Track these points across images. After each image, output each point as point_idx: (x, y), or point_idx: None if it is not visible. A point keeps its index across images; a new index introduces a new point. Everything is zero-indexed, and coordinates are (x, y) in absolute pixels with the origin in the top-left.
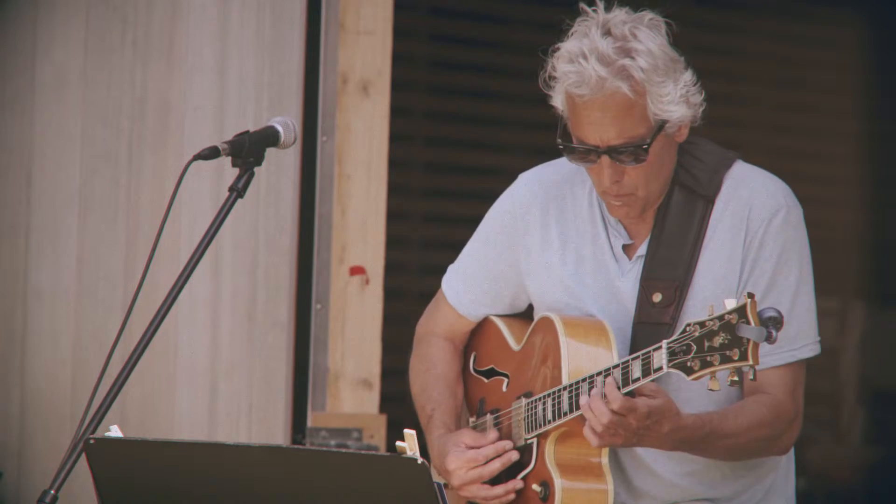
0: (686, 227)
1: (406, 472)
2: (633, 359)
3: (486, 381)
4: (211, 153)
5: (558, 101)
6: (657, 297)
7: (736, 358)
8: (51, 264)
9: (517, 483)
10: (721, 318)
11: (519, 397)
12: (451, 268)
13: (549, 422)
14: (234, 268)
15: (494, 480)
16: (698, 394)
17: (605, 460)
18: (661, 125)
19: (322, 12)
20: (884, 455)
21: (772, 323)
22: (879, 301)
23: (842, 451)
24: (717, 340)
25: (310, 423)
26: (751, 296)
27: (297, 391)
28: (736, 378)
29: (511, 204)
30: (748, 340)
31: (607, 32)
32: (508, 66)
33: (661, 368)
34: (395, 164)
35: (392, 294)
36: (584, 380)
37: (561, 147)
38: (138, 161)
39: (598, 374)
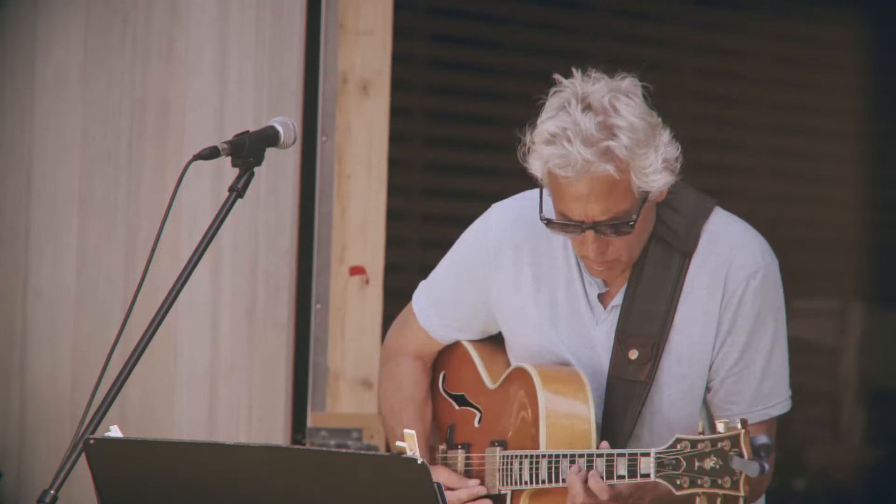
0: (663, 281)
1: (406, 472)
2: (618, 455)
3: (456, 407)
4: (211, 153)
5: (538, 169)
6: (633, 355)
7: (727, 486)
8: (51, 264)
9: None
10: (713, 442)
11: (493, 443)
12: (421, 286)
13: (526, 483)
14: (234, 268)
15: None
16: (679, 417)
17: None
18: (645, 196)
19: (322, 12)
20: (884, 455)
21: (763, 450)
22: (879, 301)
23: (842, 451)
24: (708, 463)
25: (310, 423)
26: (744, 424)
27: (297, 391)
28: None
29: (484, 240)
30: (740, 473)
31: (587, 107)
32: (508, 66)
33: (648, 475)
34: (395, 164)
35: (392, 294)
36: (564, 455)
37: (545, 224)
38: (138, 161)
39: (581, 455)
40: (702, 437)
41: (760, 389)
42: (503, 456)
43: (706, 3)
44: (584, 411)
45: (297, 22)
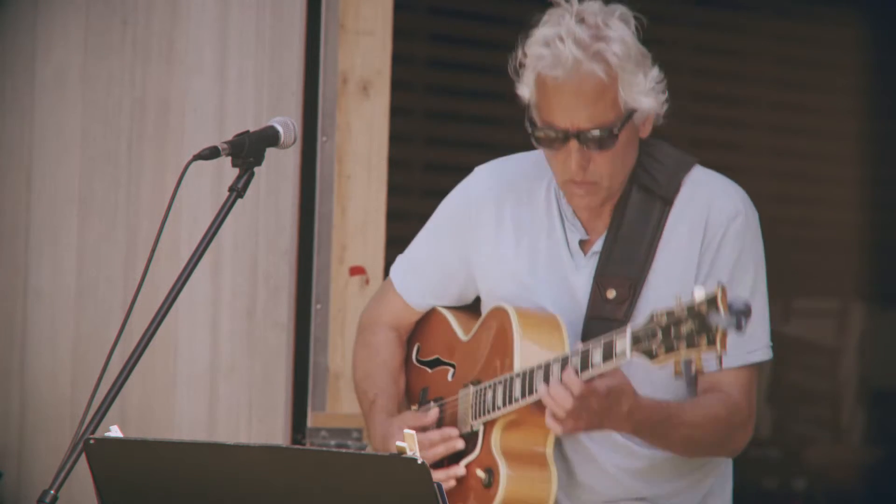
0: (643, 227)
1: (406, 472)
2: (593, 345)
3: (429, 371)
4: (211, 153)
5: (527, 87)
6: (611, 294)
7: (704, 344)
8: (51, 264)
9: (459, 469)
10: (690, 307)
11: (467, 385)
12: (400, 257)
13: (499, 408)
14: (234, 268)
15: (436, 467)
16: (654, 389)
17: (549, 450)
18: (631, 114)
19: (322, 12)
20: (884, 455)
21: (743, 315)
22: (879, 301)
23: (842, 451)
24: (685, 329)
25: (310, 423)
26: (721, 288)
27: (297, 391)
28: (702, 369)
29: (465, 198)
30: (717, 328)
31: (581, 20)
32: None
33: (623, 353)
34: (395, 164)
35: None
36: (539, 367)
37: (530, 131)
38: (138, 161)
39: (555, 361)
40: (678, 305)
41: (740, 335)
42: (476, 389)
43: (706, 3)
44: (559, 348)
45: (297, 22)
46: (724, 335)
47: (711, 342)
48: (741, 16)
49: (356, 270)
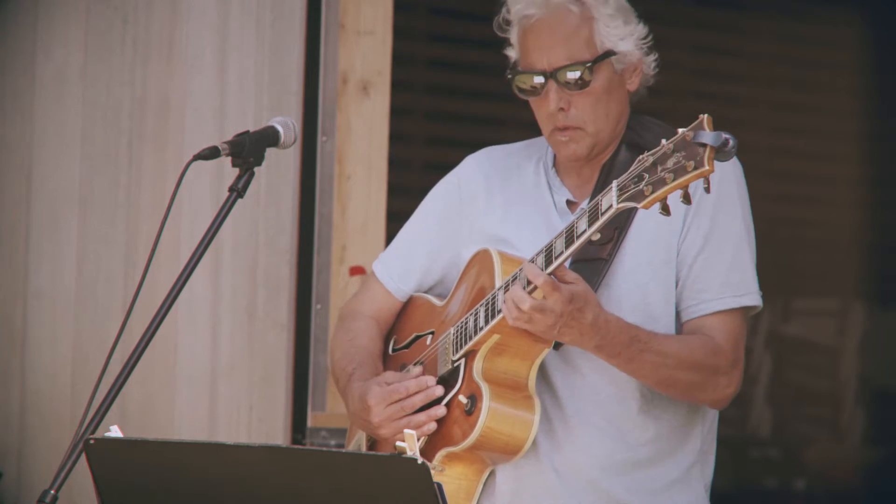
0: None
1: (406, 472)
2: (577, 217)
3: (406, 351)
4: (211, 153)
5: (514, 39)
6: (596, 236)
7: (691, 169)
8: (51, 264)
9: (441, 409)
10: (677, 140)
11: (447, 332)
12: (381, 253)
13: (481, 328)
14: (234, 268)
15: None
16: (646, 304)
17: (531, 382)
18: (608, 54)
19: (322, 12)
20: (884, 455)
21: (728, 136)
22: (879, 301)
23: (842, 451)
24: (671, 161)
25: (310, 423)
26: (706, 114)
27: (297, 391)
28: (689, 200)
29: (456, 178)
30: (704, 147)
31: None
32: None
33: (610, 208)
34: (395, 164)
35: None
36: (521, 268)
37: (509, 76)
38: (138, 161)
39: (538, 253)
40: (663, 144)
41: (729, 278)
42: (457, 327)
43: (706, 3)
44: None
45: (297, 22)
46: (712, 153)
47: (699, 164)
48: (741, 16)
49: (356, 270)
